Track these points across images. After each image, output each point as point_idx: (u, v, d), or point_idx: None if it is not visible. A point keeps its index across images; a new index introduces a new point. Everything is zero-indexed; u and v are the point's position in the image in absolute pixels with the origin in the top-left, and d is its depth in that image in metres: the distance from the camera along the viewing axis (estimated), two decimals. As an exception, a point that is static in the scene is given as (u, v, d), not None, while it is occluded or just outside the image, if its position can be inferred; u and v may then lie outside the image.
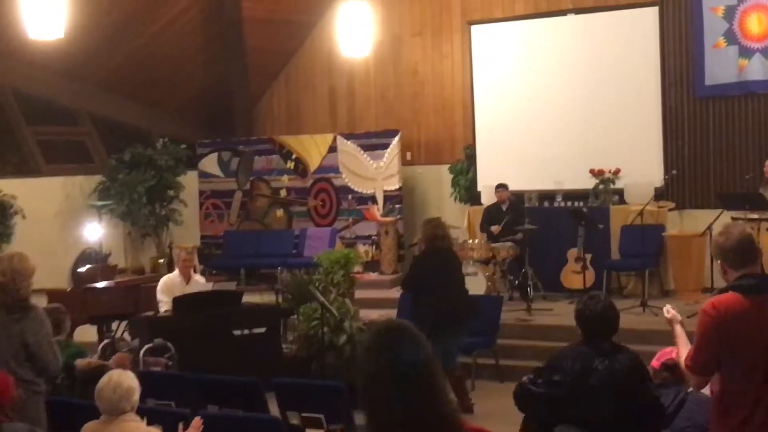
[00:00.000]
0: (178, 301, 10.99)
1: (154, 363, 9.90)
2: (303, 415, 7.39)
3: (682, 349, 5.17)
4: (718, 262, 5.00)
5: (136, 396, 5.98)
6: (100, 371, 7.53)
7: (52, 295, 11.68)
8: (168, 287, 11.44)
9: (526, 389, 5.75)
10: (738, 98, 14.16)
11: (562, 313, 12.97)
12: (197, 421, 6.18)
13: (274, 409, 7.74)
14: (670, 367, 5.92)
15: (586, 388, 5.50)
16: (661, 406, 5.67)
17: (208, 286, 11.93)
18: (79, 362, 8.00)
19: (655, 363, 6.07)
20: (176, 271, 11.83)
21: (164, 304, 11.23)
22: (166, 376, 9.08)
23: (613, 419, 5.48)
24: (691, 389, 5.70)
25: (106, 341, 10.68)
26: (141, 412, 6.11)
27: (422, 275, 10.31)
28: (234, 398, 7.67)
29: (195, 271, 12.15)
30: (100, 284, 12.91)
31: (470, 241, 14.28)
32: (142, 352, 10.09)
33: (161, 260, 17.56)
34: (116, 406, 5.83)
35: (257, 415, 7.11)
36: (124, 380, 5.97)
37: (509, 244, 13.86)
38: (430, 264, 10.41)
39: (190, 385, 7.94)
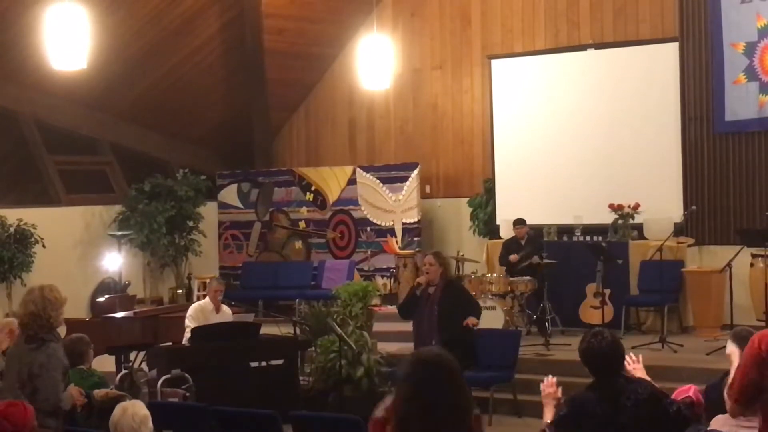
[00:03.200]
0: (196, 332, 11.01)
1: (172, 394, 9.91)
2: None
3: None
4: None
5: (151, 424, 6.02)
6: (117, 402, 7.55)
7: (71, 324, 11.64)
8: (198, 314, 11.50)
9: None
10: (758, 134, 14.10)
11: (580, 349, 12.91)
12: None
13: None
14: (688, 405, 5.88)
15: (617, 427, 5.42)
16: (683, 416, 5.57)
17: (232, 318, 11.95)
18: (97, 392, 7.99)
19: (673, 401, 6.02)
20: (207, 299, 11.87)
21: (190, 330, 11.27)
22: (183, 407, 9.08)
23: None
24: (714, 428, 5.68)
25: (124, 372, 10.68)
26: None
27: None
28: (251, 431, 7.65)
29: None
30: (119, 314, 12.93)
31: (489, 275, 14.25)
32: (159, 382, 10.10)
33: (180, 290, 17.60)
34: (135, 433, 5.86)
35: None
36: (139, 410, 6.02)
37: (527, 278, 13.83)
38: None
39: (208, 417, 7.93)
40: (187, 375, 10.24)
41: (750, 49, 14.05)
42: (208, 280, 13.91)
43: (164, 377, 10.20)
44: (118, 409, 5.99)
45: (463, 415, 3.22)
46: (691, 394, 5.85)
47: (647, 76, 14.98)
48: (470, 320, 10.37)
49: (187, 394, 10.02)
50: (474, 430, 3.27)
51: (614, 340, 5.66)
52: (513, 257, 14.11)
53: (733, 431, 5.86)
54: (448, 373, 3.26)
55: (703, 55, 14.51)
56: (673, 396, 6.01)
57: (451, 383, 3.24)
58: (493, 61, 16.39)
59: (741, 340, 6.88)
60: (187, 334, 11.36)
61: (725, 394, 5.09)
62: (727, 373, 6.42)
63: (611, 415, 5.45)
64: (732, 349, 5.66)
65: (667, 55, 14.80)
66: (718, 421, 6.02)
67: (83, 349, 8.82)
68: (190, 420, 8.00)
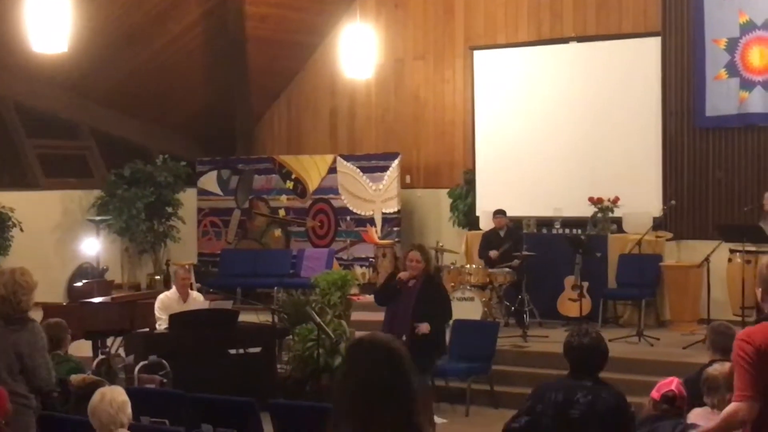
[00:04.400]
0: (174, 319, 10.97)
1: (149, 380, 9.88)
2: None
3: None
4: (759, 290, 5.16)
5: (129, 410, 5.99)
6: (95, 387, 7.51)
7: (48, 309, 11.63)
8: (165, 305, 11.44)
9: (510, 428, 5.72)
10: (738, 130, 14.18)
11: (557, 341, 12.84)
12: None
13: (267, 430, 7.72)
14: (670, 398, 5.89)
15: (568, 420, 5.50)
16: None
17: (206, 305, 11.91)
18: (74, 378, 7.95)
19: (654, 394, 6.03)
20: (173, 289, 11.82)
21: (163, 322, 11.22)
22: (160, 393, 9.06)
23: None
24: (692, 422, 5.70)
25: (101, 357, 10.65)
26: (135, 430, 6.09)
27: None
28: (229, 418, 7.64)
29: (192, 289, 12.13)
30: (97, 300, 12.87)
31: (468, 266, 14.28)
32: (137, 369, 10.07)
33: (158, 277, 17.53)
34: (114, 420, 5.83)
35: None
36: (118, 395, 5.98)
37: (506, 270, 13.85)
38: None
39: (185, 404, 7.91)
40: (164, 361, 10.20)
41: (732, 45, 14.10)
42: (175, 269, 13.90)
43: (141, 363, 10.16)
44: (96, 395, 5.95)
45: (400, 397, 3.22)
46: (673, 387, 5.86)
47: (629, 70, 15.00)
48: (422, 327, 10.31)
49: (165, 380, 9.98)
50: (415, 415, 3.28)
51: (598, 339, 5.72)
52: (493, 253, 14.10)
53: (710, 425, 5.88)
54: (387, 354, 3.28)
55: (685, 50, 14.55)
56: (655, 389, 6.02)
57: (390, 365, 3.25)
58: (476, 52, 16.39)
59: (718, 335, 6.93)
60: (161, 326, 11.29)
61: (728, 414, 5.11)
62: (704, 367, 6.45)
63: (563, 406, 5.53)
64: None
65: (649, 49, 14.84)
66: (696, 415, 6.04)
67: (61, 335, 8.79)
68: (167, 407, 7.97)
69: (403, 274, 10.54)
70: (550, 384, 5.74)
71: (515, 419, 5.72)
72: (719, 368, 5.95)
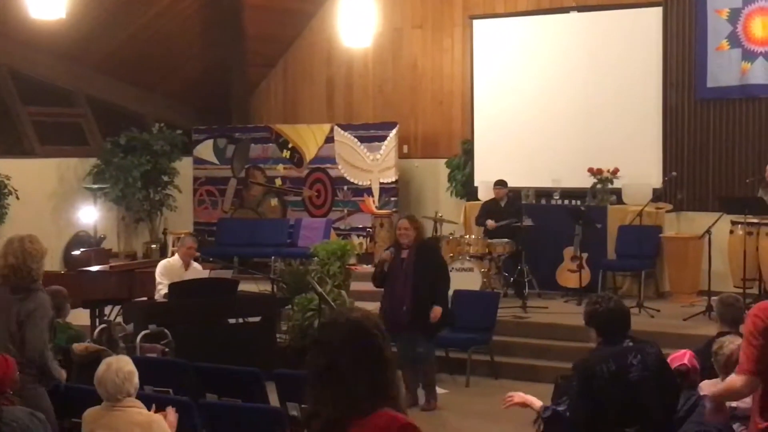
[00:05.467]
0: (174, 287, 10.92)
1: (151, 349, 9.84)
2: (303, 406, 7.31)
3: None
4: None
5: (137, 380, 5.97)
6: (97, 356, 7.47)
7: (46, 277, 11.49)
8: (168, 270, 11.40)
9: (555, 415, 5.58)
10: (739, 101, 14.12)
11: (557, 312, 12.96)
12: (172, 413, 6.13)
13: (271, 399, 7.68)
14: (683, 372, 5.88)
15: (628, 384, 5.45)
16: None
17: (205, 274, 11.88)
18: (77, 346, 7.91)
19: (667, 369, 6.02)
20: (176, 256, 11.80)
21: (163, 287, 11.17)
22: (164, 363, 9.02)
23: (660, 412, 5.43)
24: (703, 394, 5.68)
25: (102, 326, 10.59)
26: (140, 398, 6.05)
27: None
28: (233, 387, 7.60)
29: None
30: (95, 268, 12.81)
31: (466, 236, 14.26)
32: (138, 338, 10.02)
33: (154, 245, 17.46)
34: (120, 389, 5.81)
35: (260, 405, 7.06)
36: (124, 365, 5.96)
37: (505, 240, 13.80)
38: None
39: (189, 373, 7.86)
40: (166, 330, 10.15)
41: (734, 16, 14.02)
42: (181, 237, 13.82)
43: (143, 332, 10.11)
44: (103, 365, 5.92)
45: (363, 376, 3.26)
46: (686, 360, 5.85)
47: (630, 41, 14.91)
48: (435, 312, 10.25)
49: (166, 349, 9.94)
50: (381, 395, 3.28)
51: (619, 303, 5.72)
52: (490, 223, 14.02)
53: (712, 390, 5.86)
54: (347, 334, 3.31)
55: (687, 20, 14.48)
56: (668, 361, 6.00)
57: (351, 343, 3.28)
58: (475, 22, 16.28)
59: (726, 307, 6.90)
60: (161, 291, 11.25)
61: (727, 388, 5.09)
62: (712, 339, 6.43)
63: (618, 373, 5.46)
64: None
65: (650, 19, 14.75)
66: (706, 386, 6.01)
67: (61, 303, 8.76)
68: (171, 376, 7.93)
69: (385, 255, 10.47)
70: (593, 359, 5.62)
71: (577, 411, 5.51)
72: (732, 345, 5.88)
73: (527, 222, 13.75)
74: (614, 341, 5.59)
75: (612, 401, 5.45)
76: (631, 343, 5.57)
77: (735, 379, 5.03)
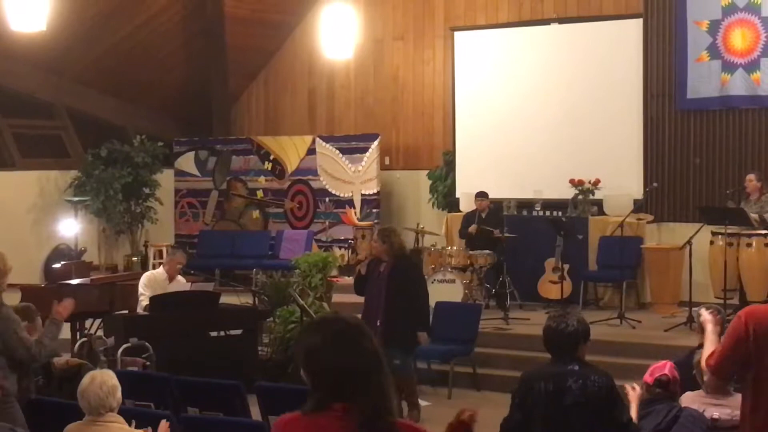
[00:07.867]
0: (154, 300, 10.90)
1: (132, 363, 9.80)
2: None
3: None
4: None
5: (120, 394, 5.94)
6: (78, 369, 7.45)
7: (26, 290, 11.51)
8: (152, 283, 11.39)
9: (507, 429, 5.62)
10: (720, 112, 14.18)
11: (539, 323, 12.85)
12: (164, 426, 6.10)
13: (253, 413, 7.65)
14: (664, 383, 5.88)
15: (562, 408, 5.38)
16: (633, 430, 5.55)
17: (188, 287, 11.84)
18: (57, 360, 7.89)
19: (647, 378, 6.01)
20: (161, 269, 11.78)
21: (145, 299, 11.16)
22: (145, 376, 8.98)
23: None
24: (684, 405, 5.68)
25: (82, 339, 10.54)
26: (122, 413, 6.02)
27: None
28: (214, 401, 7.57)
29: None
30: (75, 281, 12.75)
31: (448, 248, 14.24)
32: (120, 351, 9.98)
33: (135, 258, 17.41)
34: (103, 403, 5.78)
35: (241, 419, 7.04)
36: (108, 379, 5.93)
37: (487, 251, 13.80)
38: None
39: (170, 387, 7.83)
40: (147, 344, 10.11)
41: (714, 28, 14.09)
42: (168, 250, 13.79)
43: (124, 346, 10.06)
44: (86, 378, 5.89)
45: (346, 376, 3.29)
46: (666, 371, 5.85)
47: (610, 52, 14.97)
48: (421, 339, 10.34)
49: (147, 363, 9.90)
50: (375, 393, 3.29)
51: (573, 326, 5.50)
52: (472, 228, 14.05)
53: (702, 408, 5.88)
54: (332, 336, 3.32)
55: (667, 32, 14.53)
56: (648, 373, 6.00)
57: (336, 346, 3.30)
58: (456, 33, 16.32)
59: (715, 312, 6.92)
60: (143, 303, 11.23)
61: (702, 364, 5.06)
62: (694, 350, 6.44)
63: (555, 395, 5.40)
64: (706, 317, 5.64)
65: (631, 31, 14.81)
66: (688, 398, 6.03)
67: (31, 318, 8.67)
68: (152, 390, 7.90)
69: (361, 267, 10.48)
70: (534, 374, 5.57)
71: (509, 419, 5.59)
72: None
73: (508, 234, 13.72)
74: (561, 362, 5.49)
75: (542, 419, 5.40)
76: (577, 368, 5.43)
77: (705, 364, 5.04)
